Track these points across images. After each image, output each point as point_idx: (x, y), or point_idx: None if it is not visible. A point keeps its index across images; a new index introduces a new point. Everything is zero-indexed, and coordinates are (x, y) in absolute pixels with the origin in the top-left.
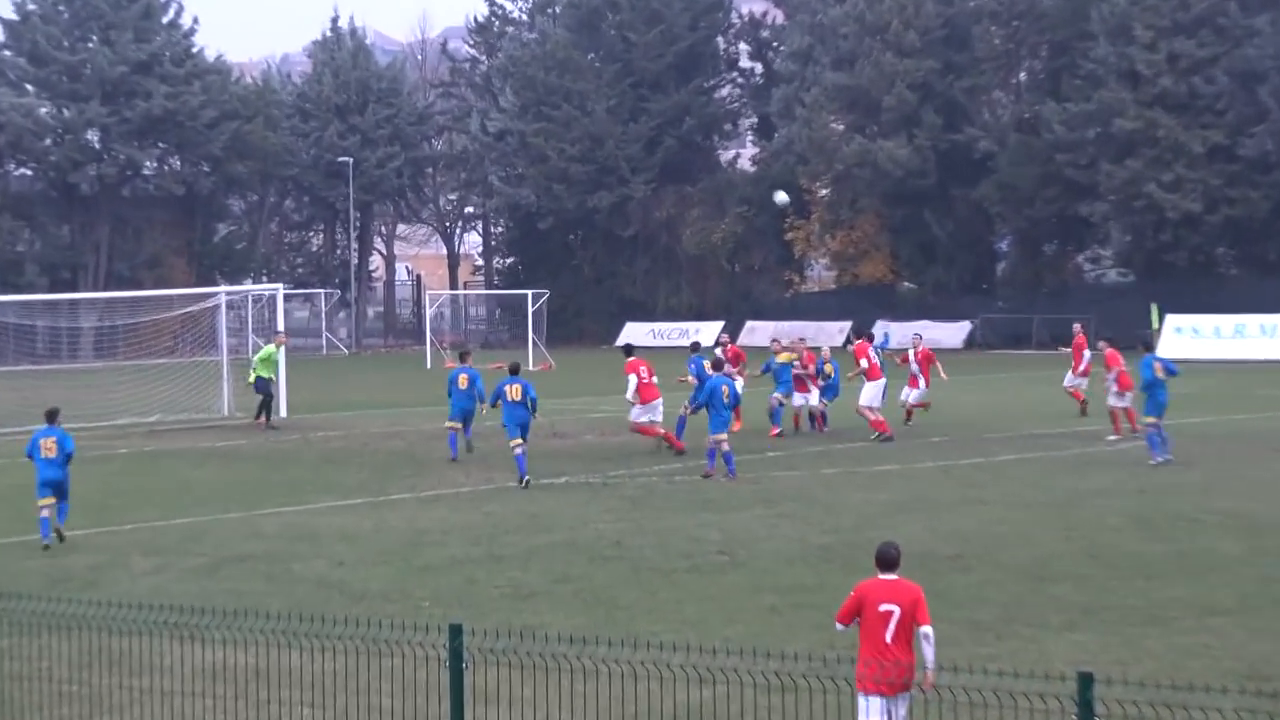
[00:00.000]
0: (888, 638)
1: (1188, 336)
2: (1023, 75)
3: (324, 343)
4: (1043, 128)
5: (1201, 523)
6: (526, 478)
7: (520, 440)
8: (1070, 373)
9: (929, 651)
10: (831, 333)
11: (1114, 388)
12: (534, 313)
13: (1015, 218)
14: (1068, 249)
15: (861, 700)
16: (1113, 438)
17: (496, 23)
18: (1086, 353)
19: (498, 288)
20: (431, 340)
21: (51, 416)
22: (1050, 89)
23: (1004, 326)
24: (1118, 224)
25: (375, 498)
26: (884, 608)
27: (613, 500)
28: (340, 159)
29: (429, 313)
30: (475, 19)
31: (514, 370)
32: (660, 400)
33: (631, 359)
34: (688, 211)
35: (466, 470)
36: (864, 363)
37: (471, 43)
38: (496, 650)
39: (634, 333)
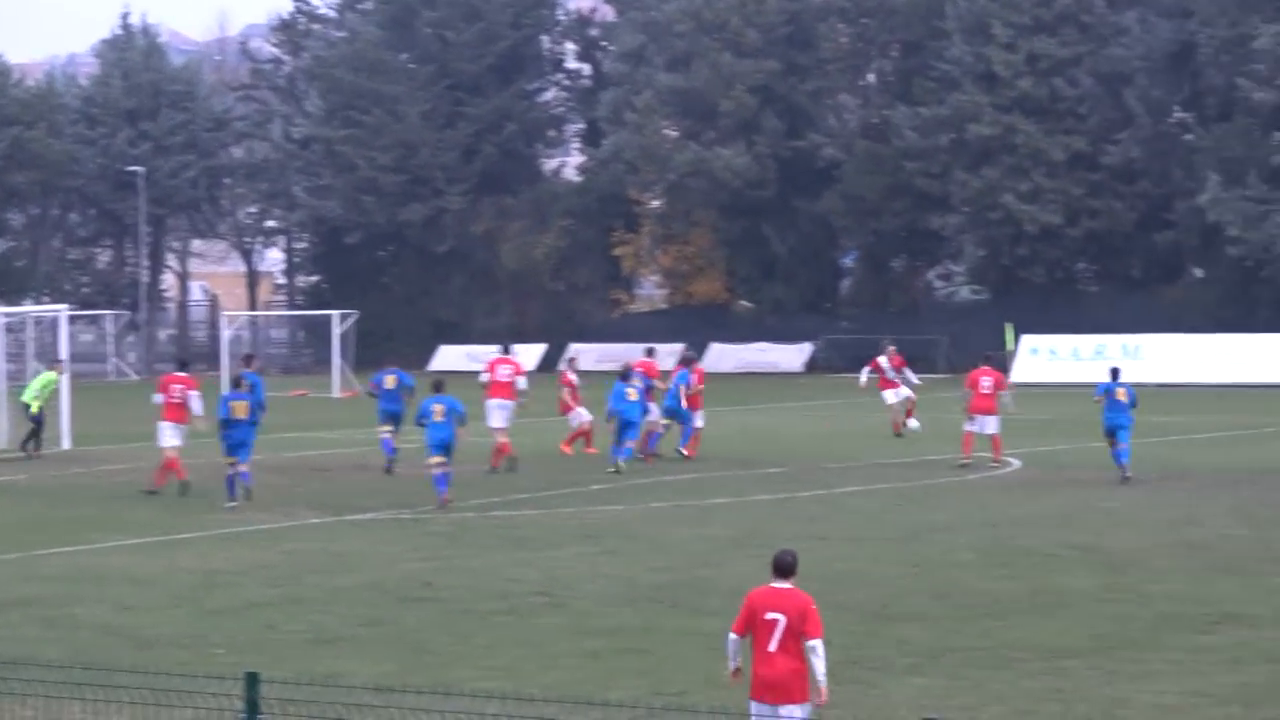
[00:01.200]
0: (771, 646)
1: (1044, 358)
2: (871, 77)
3: (112, 368)
4: (892, 134)
5: (1055, 558)
6: (445, 497)
7: (441, 459)
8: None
9: (818, 666)
10: (662, 355)
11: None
12: (340, 335)
13: (861, 231)
14: (917, 265)
15: (751, 705)
16: (961, 463)
17: (302, 20)
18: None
19: (301, 308)
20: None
21: None
22: (901, 92)
23: (848, 348)
24: (971, 237)
25: (165, 536)
26: (769, 616)
27: (423, 537)
28: (130, 168)
29: (226, 335)
30: (279, 16)
31: (438, 387)
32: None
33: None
34: (508, 225)
35: (266, 506)
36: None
37: (275, 42)
38: (297, 700)
39: (449, 357)
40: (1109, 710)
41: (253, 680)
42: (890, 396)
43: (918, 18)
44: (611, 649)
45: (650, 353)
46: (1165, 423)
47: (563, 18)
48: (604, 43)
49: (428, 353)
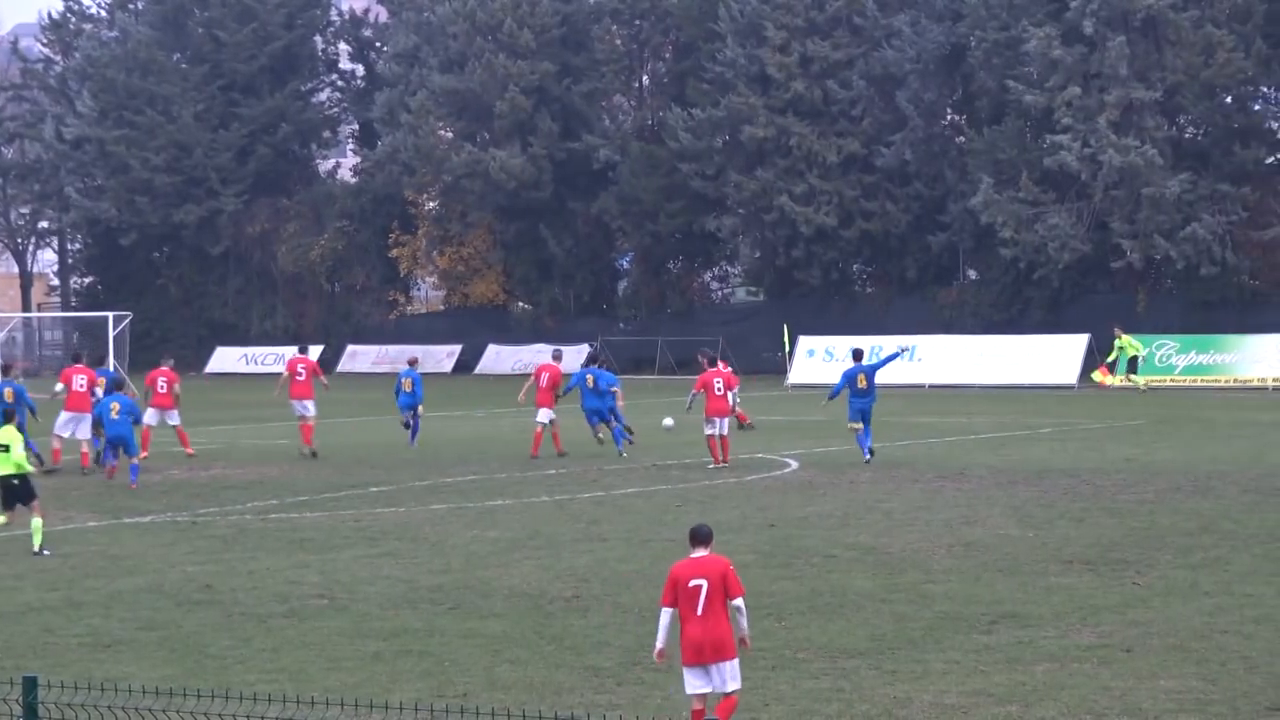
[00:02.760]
0: (698, 610)
1: (820, 359)
2: (646, 79)
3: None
4: (667, 135)
5: (834, 558)
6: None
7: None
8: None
9: (742, 621)
10: (440, 357)
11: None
12: (115, 337)
13: (638, 233)
14: (694, 266)
15: (685, 671)
16: (713, 465)
17: (73, 20)
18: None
19: (76, 309)
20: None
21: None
22: (675, 93)
23: (626, 349)
24: (747, 239)
25: None
26: (693, 583)
27: (202, 540)
28: None
29: None
30: (49, 15)
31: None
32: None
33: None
34: (284, 226)
35: (42, 509)
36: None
37: (45, 41)
38: (75, 705)
39: (225, 359)
40: (890, 710)
41: (31, 684)
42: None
43: (691, 20)
44: (393, 651)
45: (557, 356)
46: (940, 424)
47: (336, 18)
48: (378, 44)
49: (205, 354)
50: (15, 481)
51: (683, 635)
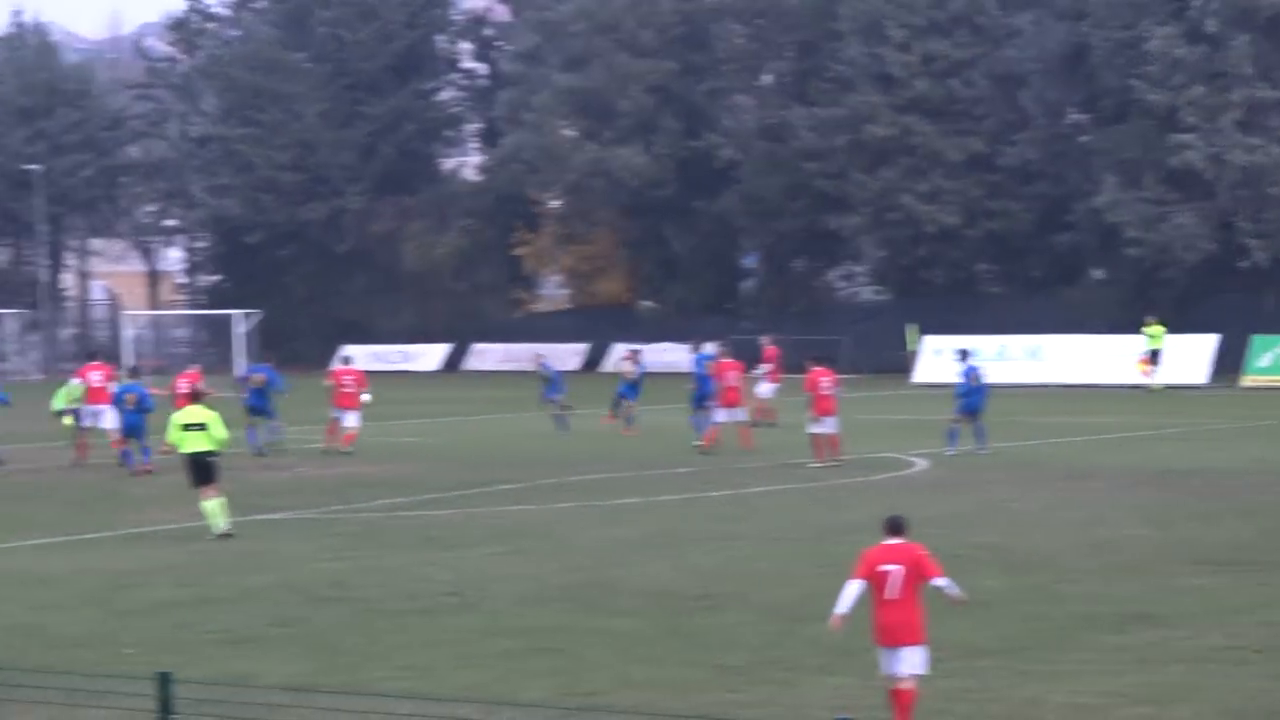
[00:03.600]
0: (886, 594)
1: (947, 359)
2: (768, 78)
3: (12, 368)
4: (789, 134)
5: (962, 558)
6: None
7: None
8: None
9: (954, 592)
10: (566, 356)
11: (810, 412)
12: (243, 335)
13: (761, 232)
14: (818, 265)
15: (880, 652)
16: (814, 465)
17: (196, 18)
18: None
19: (203, 307)
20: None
21: None
22: (797, 93)
23: (750, 349)
24: (871, 238)
25: (71, 536)
26: (884, 568)
27: (333, 537)
28: (27, 167)
29: (128, 334)
30: (173, 14)
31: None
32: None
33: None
34: (408, 225)
35: (170, 505)
36: None
37: (169, 40)
38: (210, 700)
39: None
40: (1022, 710)
41: (165, 680)
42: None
43: (812, 19)
44: (523, 648)
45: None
46: (1068, 423)
47: (458, 17)
48: (500, 42)
49: (331, 352)
50: (209, 459)
51: (876, 619)
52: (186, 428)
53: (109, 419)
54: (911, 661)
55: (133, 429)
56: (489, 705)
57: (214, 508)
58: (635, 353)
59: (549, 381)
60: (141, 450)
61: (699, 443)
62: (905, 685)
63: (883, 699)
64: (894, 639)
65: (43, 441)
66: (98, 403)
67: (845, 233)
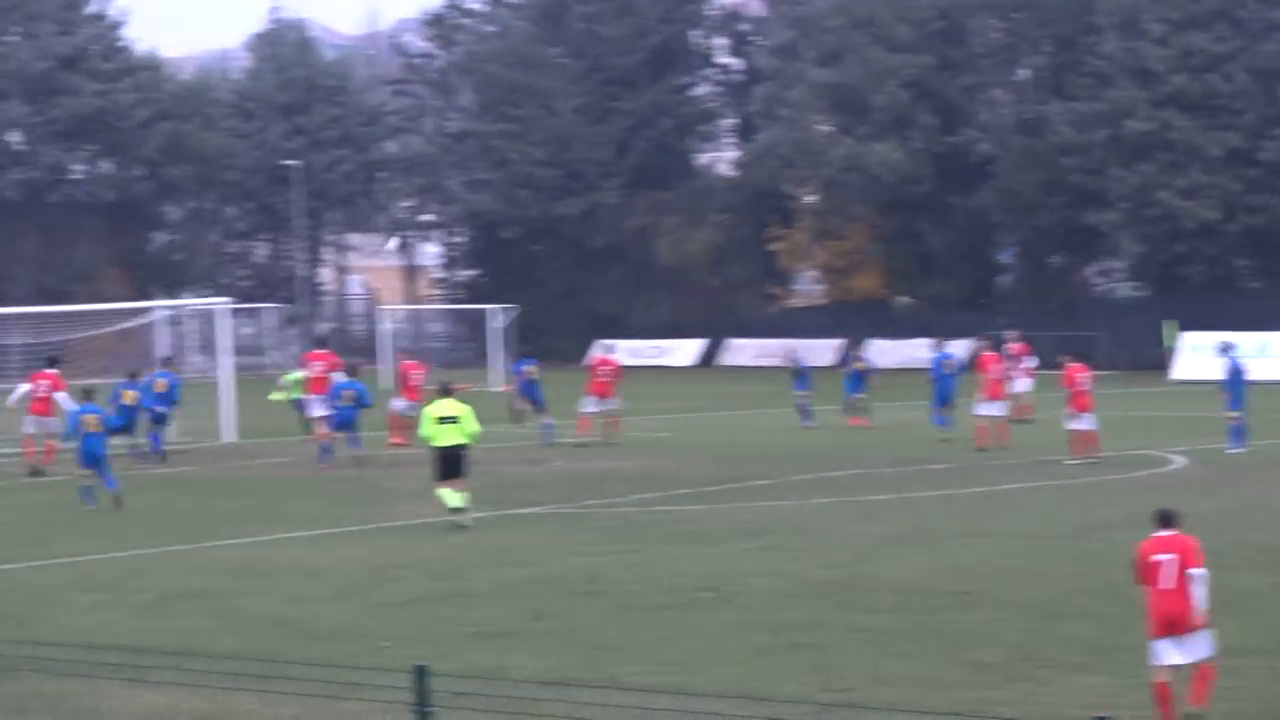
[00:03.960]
0: (1168, 583)
1: (1206, 355)
2: (1025, 72)
3: (270, 361)
4: (1047, 129)
5: (1225, 556)
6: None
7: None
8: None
9: (1199, 592)
10: (821, 351)
11: (1068, 408)
12: (500, 329)
13: (1018, 227)
14: (1075, 261)
15: (1154, 644)
16: (1071, 462)
17: (453, 14)
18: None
19: (459, 302)
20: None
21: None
22: (1054, 87)
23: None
24: (1129, 234)
25: (331, 529)
26: (1160, 558)
27: (588, 532)
28: (285, 162)
29: (385, 328)
30: (430, 11)
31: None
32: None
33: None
34: (663, 219)
35: (428, 499)
36: None
37: (426, 36)
38: (465, 694)
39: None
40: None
41: (422, 673)
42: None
43: (1069, 13)
44: (779, 644)
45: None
46: None
47: (713, 12)
48: (755, 37)
49: (586, 347)
50: (460, 453)
51: (1152, 610)
52: (441, 421)
53: (316, 408)
54: (1201, 645)
55: (344, 423)
56: (744, 700)
57: (452, 494)
58: (857, 345)
59: (799, 375)
60: (351, 441)
61: (947, 438)
62: (1206, 664)
63: (1140, 697)
64: (1175, 628)
65: (300, 435)
66: (315, 393)
67: (1103, 228)
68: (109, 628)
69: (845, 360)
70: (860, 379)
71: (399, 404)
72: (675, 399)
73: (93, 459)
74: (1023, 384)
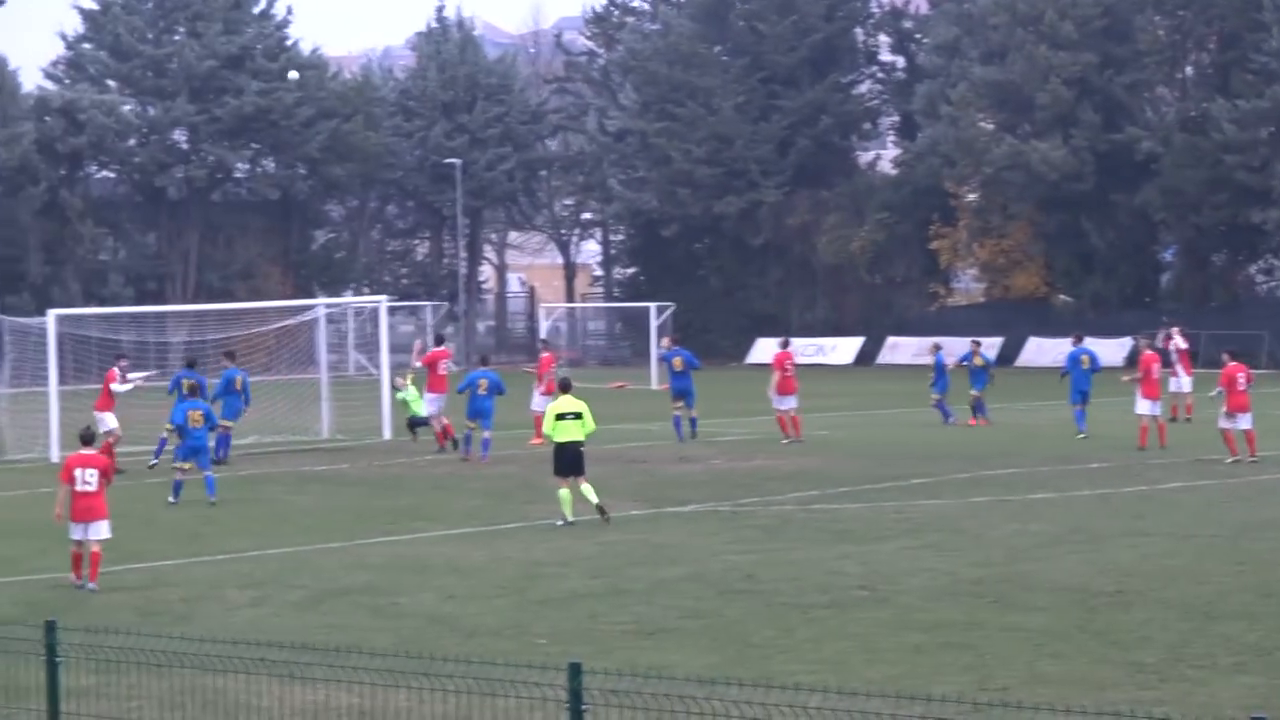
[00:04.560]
0: None
1: None
2: (1189, 70)
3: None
4: (1211, 127)
5: None
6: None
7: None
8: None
9: None
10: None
11: (1222, 408)
12: (659, 327)
13: (1181, 225)
14: (1239, 259)
15: None
16: (1230, 460)
17: (615, 13)
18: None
19: (618, 300)
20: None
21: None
22: (1219, 84)
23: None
24: None
25: (487, 526)
26: None
27: (744, 530)
28: (447, 161)
29: (544, 326)
30: (592, 9)
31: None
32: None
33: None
34: (823, 218)
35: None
36: None
37: (588, 35)
38: (620, 691)
39: (767, 349)
40: None
41: (576, 671)
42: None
43: (1234, 10)
44: (935, 643)
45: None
46: None
47: (876, 10)
48: (918, 35)
49: (745, 345)
50: (579, 449)
51: None
52: (560, 417)
53: (429, 407)
54: None
55: (479, 412)
56: (899, 700)
57: (569, 496)
58: (977, 344)
59: (939, 374)
60: (481, 444)
61: (1082, 435)
62: None
63: None
64: None
65: (462, 432)
66: (435, 391)
67: (1268, 226)
68: (264, 624)
69: (966, 358)
70: (980, 375)
71: (538, 402)
72: (834, 397)
73: (193, 454)
74: (1181, 382)
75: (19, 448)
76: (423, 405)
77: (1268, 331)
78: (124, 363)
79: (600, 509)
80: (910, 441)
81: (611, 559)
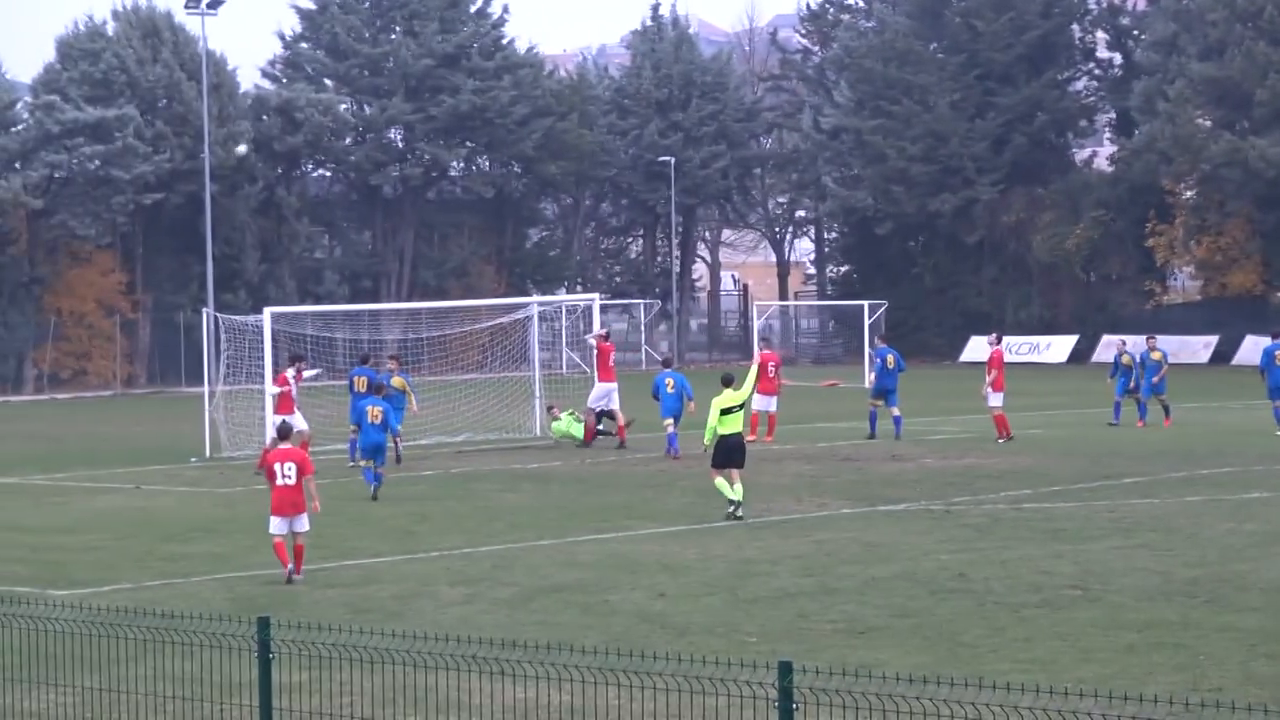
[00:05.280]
0: None
1: None
2: None
3: (643, 356)
4: None
5: None
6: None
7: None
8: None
9: None
10: (1196, 348)
11: None
12: (871, 325)
13: None
14: None
15: None
16: None
17: (831, 10)
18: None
19: (831, 298)
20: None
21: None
22: None
23: None
24: None
25: (698, 524)
26: None
27: (955, 529)
28: (661, 159)
29: (757, 324)
30: (807, 6)
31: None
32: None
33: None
34: (1038, 216)
35: (797, 495)
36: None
37: (803, 32)
38: (829, 690)
39: (980, 348)
40: None
41: (786, 669)
42: None
43: None
44: (1147, 643)
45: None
46: None
47: (1093, 7)
48: (1135, 32)
49: (959, 344)
50: (740, 442)
51: None
52: (725, 411)
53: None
54: None
55: (671, 412)
56: (1111, 700)
57: (727, 486)
58: (1151, 339)
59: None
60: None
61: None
62: None
63: None
64: None
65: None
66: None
67: None
68: (475, 621)
69: (1115, 360)
70: (1126, 376)
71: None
72: (1047, 396)
73: (374, 450)
74: None
75: (233, 445)
76: (577, 426)
77: None
78: (302, 365)
79: (735, 506)
80: (1123, 440)
81: (822, 557)
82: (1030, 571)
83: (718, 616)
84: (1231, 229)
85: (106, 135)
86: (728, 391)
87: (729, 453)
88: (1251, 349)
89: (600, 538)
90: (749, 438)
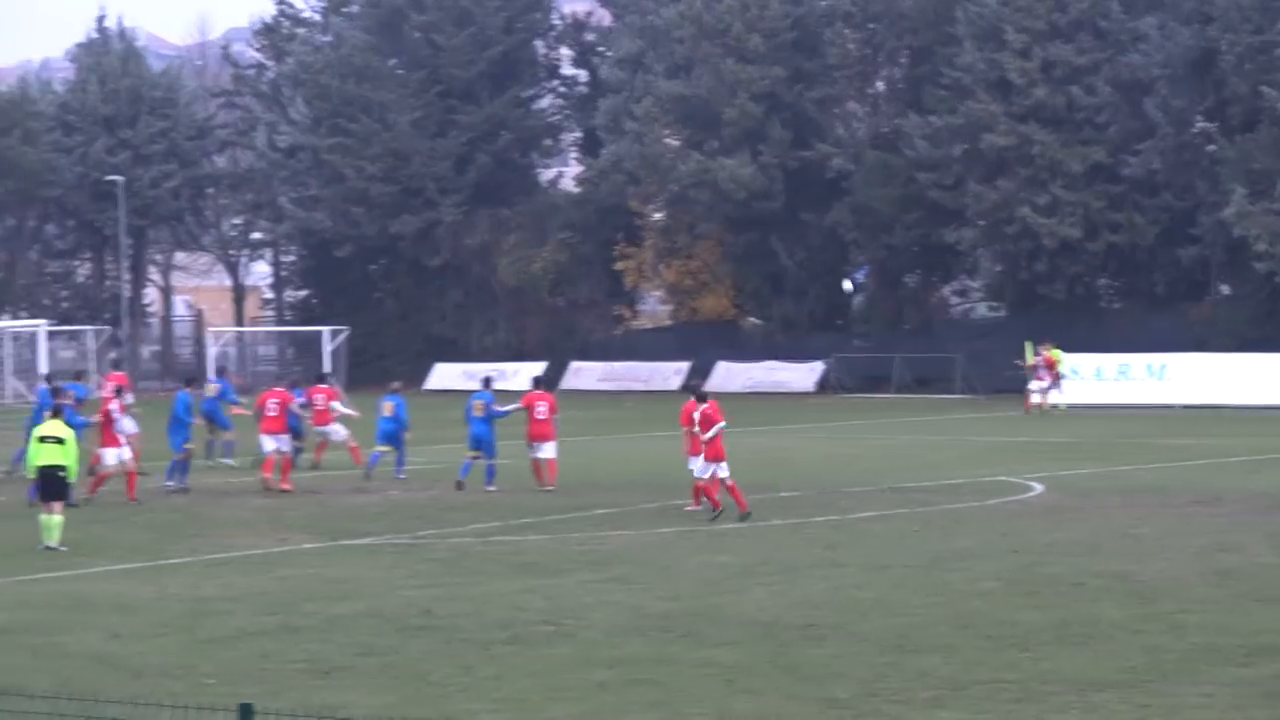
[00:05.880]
0: None
1: (1066, 378)
2: (880, 85)
3: (93, 386)
4: (903, 144)
5: (1083, 586)
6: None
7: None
8: None
9: None
10: (667, 374)
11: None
12: (332, 352)
13: (873, 245)
14: (932, 280)
15: None
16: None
17: (285, 24)
18: None
19: (290, 323)
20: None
21: None
22: (911, 100)
23: (861, 367)
24: (987, 252)
25: (154, 561)
26: None
27: (422, 563)
28: (109, 178)
29: (212, 351)
30: (261, 20)
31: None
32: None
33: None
34: (504, 238)
35: (257, 530)
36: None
37: (257, 46)
38: None
39: (446, 375)
40: None
41: (247, 712)
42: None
43: (927, 23)
44: (621, 680)
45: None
46: (1193, 446)
47: (558, 22)
48: (601, 48)
49: (423, 371)
50: (62, 475)
51: None
52: (42, 440)
53: (339, 430)
54: None
55: (389, 437)
56: None
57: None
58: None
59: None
60: (397, 461)
61: None
62: None
63: None
64: None
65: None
66: (323, 424)
67: (961, 246)
68: None
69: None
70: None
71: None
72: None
73: (480, 442)
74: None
75: None
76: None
77: (961, 354)
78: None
79: (50, 548)
80: (597, 471)
81: (284, 595)
82: (500, 607)
83: (175, 658)
84: (702, 252)
85: None
86: (50, 421)
87: (48, 486)
88: (724, 375)
89: (50, 576)
90: (689, 507)
